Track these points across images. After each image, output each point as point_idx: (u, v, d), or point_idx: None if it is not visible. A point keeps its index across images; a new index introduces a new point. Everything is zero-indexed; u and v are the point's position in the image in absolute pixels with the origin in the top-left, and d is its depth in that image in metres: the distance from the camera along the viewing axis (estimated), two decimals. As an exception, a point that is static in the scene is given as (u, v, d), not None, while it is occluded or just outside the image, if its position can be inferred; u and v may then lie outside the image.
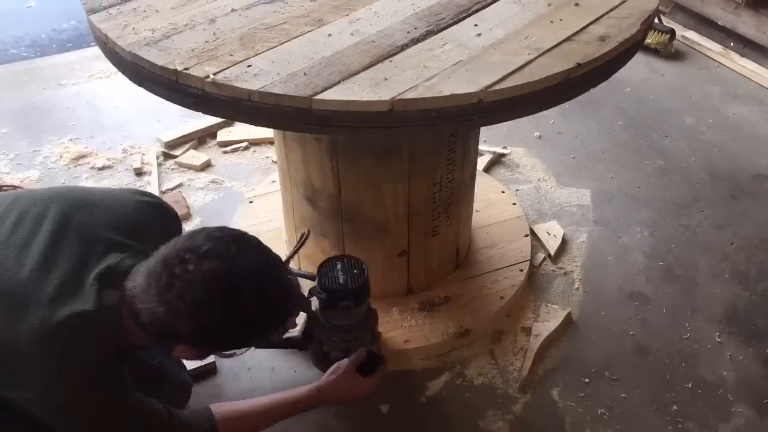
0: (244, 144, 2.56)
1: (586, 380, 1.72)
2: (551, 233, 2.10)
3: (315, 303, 1.55)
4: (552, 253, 2.05)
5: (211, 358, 1.73)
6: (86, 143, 2.57)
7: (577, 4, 1.53)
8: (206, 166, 2.47)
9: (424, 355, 1.75)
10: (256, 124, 1.31)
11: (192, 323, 1.10)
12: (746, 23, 3.05)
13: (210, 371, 1.73)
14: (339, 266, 1.54)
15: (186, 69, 1.27)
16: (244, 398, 1.65)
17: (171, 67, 1.28)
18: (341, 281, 1.50)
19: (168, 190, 2.34)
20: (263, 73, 1.27)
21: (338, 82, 1.25)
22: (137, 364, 1.27)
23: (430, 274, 1.88)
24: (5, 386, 1.13)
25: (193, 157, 2.49)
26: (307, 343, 1.62)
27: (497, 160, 2.46)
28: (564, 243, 2.10)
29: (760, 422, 1.63)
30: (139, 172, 2.42)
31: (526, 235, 2.06)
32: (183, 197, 2.28)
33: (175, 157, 2.49)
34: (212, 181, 2.39)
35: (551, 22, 1.46)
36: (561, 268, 2.03)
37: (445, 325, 1.79)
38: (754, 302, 1.93)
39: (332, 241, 1.78)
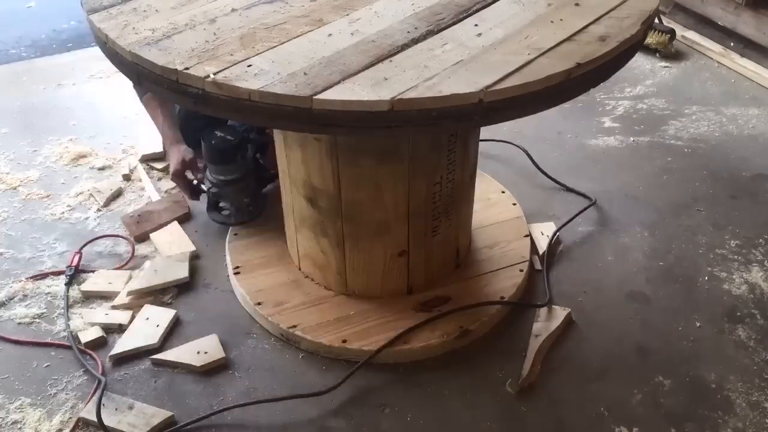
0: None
1: (587, 380, 1.72)
2: (544, 233, 2.10)
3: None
4: (540, 253, 2.05)
5: (221, 353, 1.74)
6: (86, 143, 2.58)
7: (577, 4, 1.53)
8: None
9: (424, 355, 1.76)
10: (256, 124, 1.32)
11: None
12: (746, 23, 3.05)
13: (221, 366, 1.74)
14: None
15: (186, 69, 1.27)
16: (243, 397, 1.66)
17: (171, 66, 1.28)
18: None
19: (168, 190, 2.34)
20: (263, 73, 1.27)
21: (338, 82, 1.25)
22: None
23: (430, 274, 1.88)
24: None
25: (193, 157, 2.49)
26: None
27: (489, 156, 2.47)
28: (564, 243, 2.11)
29: (761, 422, 1.63)
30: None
31: (526, 236, 2.07)
32: (183, 197, 2.28)
33: (175, 157, 2.49)
34: (212, 181, 2.39)
35: (551, 22, 1.46)
36: (561, 268, 2.03)
37: (445, 325, 1.79)
38: (754, 302, 1.93)
39: (332, 240, 1.78)
